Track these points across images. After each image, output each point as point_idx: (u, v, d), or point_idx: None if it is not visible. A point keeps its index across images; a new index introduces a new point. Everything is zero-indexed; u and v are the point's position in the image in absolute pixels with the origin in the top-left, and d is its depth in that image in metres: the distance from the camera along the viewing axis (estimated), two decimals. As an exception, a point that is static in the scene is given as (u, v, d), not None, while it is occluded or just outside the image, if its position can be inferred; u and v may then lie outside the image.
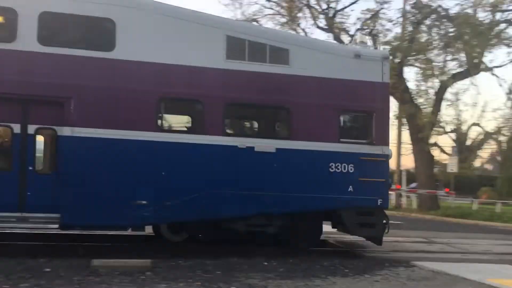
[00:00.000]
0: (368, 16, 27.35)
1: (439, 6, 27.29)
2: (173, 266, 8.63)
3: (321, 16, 28.23)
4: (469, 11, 27.72)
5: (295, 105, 10.57)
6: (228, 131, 10.51)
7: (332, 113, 10.79)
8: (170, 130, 10.52)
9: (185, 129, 10.95)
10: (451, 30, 27.05)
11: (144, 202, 9.65)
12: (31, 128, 9.48)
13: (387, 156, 11.31)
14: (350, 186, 10.65)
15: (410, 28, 27.84)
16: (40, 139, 9.71)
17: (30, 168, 9.48)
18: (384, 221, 11.07)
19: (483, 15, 28.00)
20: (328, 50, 11.38)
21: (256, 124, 11.67)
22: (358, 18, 28.31)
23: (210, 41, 10.30)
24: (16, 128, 9.45)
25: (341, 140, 10.79)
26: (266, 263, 9.28)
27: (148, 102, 9.83)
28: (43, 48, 9.44)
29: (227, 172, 10.13)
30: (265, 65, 10.49)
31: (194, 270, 8.42)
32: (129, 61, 9.80)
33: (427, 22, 27.71)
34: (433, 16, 27.38)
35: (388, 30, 26.84)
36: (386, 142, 11.38)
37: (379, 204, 10.92)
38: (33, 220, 9.51)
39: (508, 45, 28.58)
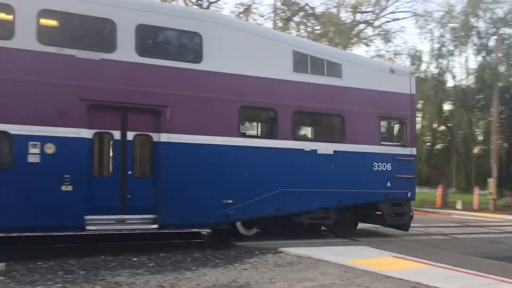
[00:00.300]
0: (242, 10, 28.75)
1: (306, 4, 29.58)
2: (31, 269, 8.08)
3: (195, 7, 28.70)
4: (333, 10, 30.78)
5: (347, 113, 12.21)
6: (296, 136, 11.82)
7: (375, 120, 12.64)
8: (250, 136, 11.59)
9: (262, 134, 12.01)
10: (317, 27, 29.42)
11: (230, 201, 10.71)
12: (130, 135, 10.10)
13: (415, 156, 13.38)
14: (388, 182, 12.56)
15: (280, 24, 29.51)
16: (138, 145, 10.30)
17: (130, 172, 10.12)
18: (411, 211, 13.33)
19: (345, 15, 31.36)
20: (370, 65, 13.17)
21: (317, 130, 12.95)
22: (232, 12, 29.60)
23: (281, 55, 11.59)
24: (117, 134, 10.04)
25: (382, 143, 12.66)
26: (135, 259, 9.05)
27: (231, 110, 10.87)
28: (141, 59, 10.09)
29: (296, 172, 11.47)
30: (323, 78, 11.99)
31: (55, 271, 7.94)
32: (215, 73, 10.76)
33: (296, 19, 29.88)
34: (301, 13, 29.58)
35: (259, 25, 27.40)
36: (414, 144, 13.46)
37: (408, 196, 13.00)
38: (131, 222, 10.16)
39: (366, 44, 32.39)
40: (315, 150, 11.66)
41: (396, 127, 13.23)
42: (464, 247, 11.78)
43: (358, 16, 32.74)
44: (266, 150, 11.18)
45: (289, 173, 11.37)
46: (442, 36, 32.77)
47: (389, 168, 12.56)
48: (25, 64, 9.24)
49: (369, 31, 33.93)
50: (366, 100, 12.48)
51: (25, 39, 9.20)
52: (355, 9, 31.75)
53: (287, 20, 28.94)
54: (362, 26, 32.95)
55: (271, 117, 11.57)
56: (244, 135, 11.27)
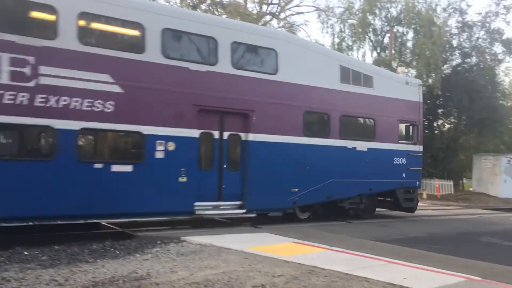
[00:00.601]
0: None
1: (214, -8, 30.87)
2: None
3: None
4: (240, 0, 31.50)
5: (377, 117, 15.06)
6: (342, 136, 14.30)
7: (396, 123, 15.62)
8: (310, 135, 13.69)
9: (319, 134, 14.04)
10: (224, 17, 29.38)
11: (296, 189, 13.10)
12: (225, 135, 12.25)
13: (422, 152, 16.54)
14: (403, 173, 15.59)
15: (187, 12, 30.94)
16: (230, 143, 12.38)
17: (225, 166, 12.25)
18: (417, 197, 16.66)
19: (251, 6, 32.43)
20: (392, 78, 16.10)
21: (356, 131, 15.20)
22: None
23: (332, 69, 14.12)
24: (216, 134, 12.13)
25: (400, 141, 15.67)
26: (26, 253, 8.51)
27: (298, 114, 13.26)
28: (234, 70, 12.24)
29: (341, 166, 14.06)
30: (360, 88, 14.71)
31: None
32: (286, 83, 13.07)
33: (203, 7, 30.36)
34: (208, 1, 30.23)
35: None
36: (421, 143, 16.58)
37: (416, 185, 16.23)
38: (224, 207, 12.28)
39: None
40: (355, 147, 14.35)
41: (409, 129, 16.15)
42: (359, 231, 12.31)
43: (265, 8, 33.61)
44: (321, 147, 13.64)
45: (336, 166, 13.91)
46: (342, 31, 35.16)
47: (404, 162, 15.58)
48: (153, 74, 10.98)
49: (274, 23, 35.06)
50: (390, 106, 15.41)
51: (153, 54, 10.95)
52: (261, 0, 32.39)
53: (194, 7, 28.90)
54: (268, 17, 33.72)
55: (325, 120, 14.05)
56: (306, 135, 13.49)
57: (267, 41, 12.90)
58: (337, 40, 35.00)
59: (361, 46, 35.20)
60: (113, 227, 12.14)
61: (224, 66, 11.99)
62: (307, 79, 13.44)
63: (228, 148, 12.33)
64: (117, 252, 8.84)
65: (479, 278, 7.23)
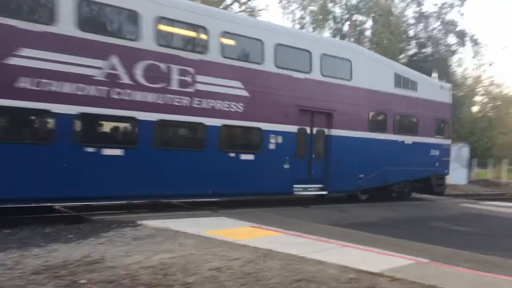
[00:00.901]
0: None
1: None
2: None
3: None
4: None
5: (419, 116, 18.01)
6: (394, 131, 17.12)
7: (433, 120, 18.60)
8: (373, 131, 16.41)
9: (378, 130, 16.80)
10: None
11: (362, 175, 15.85)
12: (314, 130, 14.98)
13: (450, 145, 19.72)
14: (437, 162, 18.62)
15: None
16: (317, 137, 15.05)
17: (313, 156, 14.95)
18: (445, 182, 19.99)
19: None
20: (430, 82, 19.03)
21: (404, 127, 17.96)
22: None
23: (388, 75, 16.88)
24: (308, 130, 14.83)
25: (435, 136, 18.65)
26: None
27: (365, 113, 16.02)
28: (323, 78, 14.78)
29: (393, 156, 16.83)
30: (408, 91, 17.58)
31: None
32: (357, 88, 15.77)
33: None
34: None
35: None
36: (450, 137, 19.81)
37: (445, 172, 19.31)
38: (311, 189, 14.94)
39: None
40: (404, 141, 17.24)
41: (442, 125, 19.12)
42: (315, 215, 12.56)
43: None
44: (380, 140, 16.47)
45: (389, 156, 16.73)
46: (302, 18, 36.03)
47: (438, 153, 18.62)
48: (268, 81, 13.45)
49: (235, 7, 35.09)
50: (429, 106, 18.34)
51: (269, 64, 13.39)
52: (222, -17, 34.56)
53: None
54: (229, 1, 33.64)
55: (383, 118, 16.92)
56: (371, 130, 16.32)
57: (344, 53, 15.60)
58: (297, 27, 35.82)
59: (321, 33, 35.62)
60: (67, 210, 11.92)
61: (316, 74, 14.66)
62: (372, 84, 16.21)
63: (315, 141, 15.03)
64: (71, 236, 8.68)
65: (427, 261, 7.39)
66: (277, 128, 13.68)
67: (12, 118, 9.94)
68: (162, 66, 11.47)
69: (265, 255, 7.39)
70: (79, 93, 10.26)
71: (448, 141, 19.41)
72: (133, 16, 11.05)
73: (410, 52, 36.44)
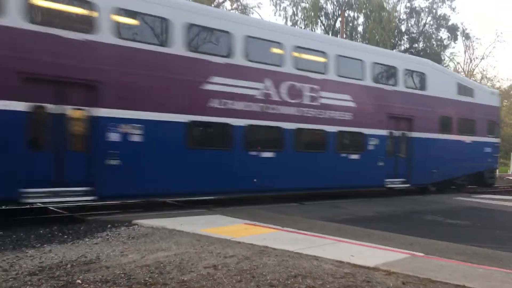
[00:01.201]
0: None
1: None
2: None
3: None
4: None
5: (476, 118, 17.12)
6: (457, 132, 16.57)
7: (485, 122, 17.10)
8: (442, 132, 16.45)
9: (445, 131, 16.76)
10: None
11: (435, 171, 15.31)
12: (399, 133, 16.08)
13: (499, 143, 17.85)
14: (489, 158, 17.38)
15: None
16: (401, 138, 16.63)
17: (398, 154, 15.37)
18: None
19: None
20: (483, 89, 17.88)
21: (464, 128, 17.69)
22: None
23: (452, 85, 16.43)
24: (395, 133, 15.70)
25: (487, 135, 17.20)
26: None
27: (436, 118, 16.30)
28: (405, 89, 15.46)
29: (457, 153, 16.36)
30: (467, 97, 16.51)
31: None
32: (431, 96, 16.14)
33: None
34: None
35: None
36: (499, 136, 18.07)
37: (495, 166, 17.62)
38: (395, 183, 16.33)
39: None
40: (464, 140, 16.42)
41: (492, 126, 18.19)
42: (310, 212, 11.15)
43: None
44: (447, 140, 15.92)
45: (454, 154, 15.94)
46: (295, 14, 31.20)
47: (490, 150, 17.49)
48: (368, 94, 15.32)
49: (227, 5, 31.40)
50: (483, 110, 16.99)
51: (368, 80, 14.56)
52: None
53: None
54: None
55: (449, 121, 15.98)
56: (441, 132, 15.80)
57: (420, 67, 15.30)
58: (289, 24, 29.68)
59: (313, 29, 29.46)
60: (62, 211, 9.96)
61: (401, 85, 14.65)
62: (441, 93, 15.58)
63: (400, 142, 14.70)
64: (66, 236, 7.36)
65: (422, 254, 6.56)
66: (374, 132, 13.93)
67: (205, 129, 11.43)
68: (298, 85, 12.42)
69: (260, 251, 6.44)
70: (247, 109, 11.41)
71: (497, 140, 17.87)
72: (279, 47, 12.14)
73: (402, 48, 34.24)
